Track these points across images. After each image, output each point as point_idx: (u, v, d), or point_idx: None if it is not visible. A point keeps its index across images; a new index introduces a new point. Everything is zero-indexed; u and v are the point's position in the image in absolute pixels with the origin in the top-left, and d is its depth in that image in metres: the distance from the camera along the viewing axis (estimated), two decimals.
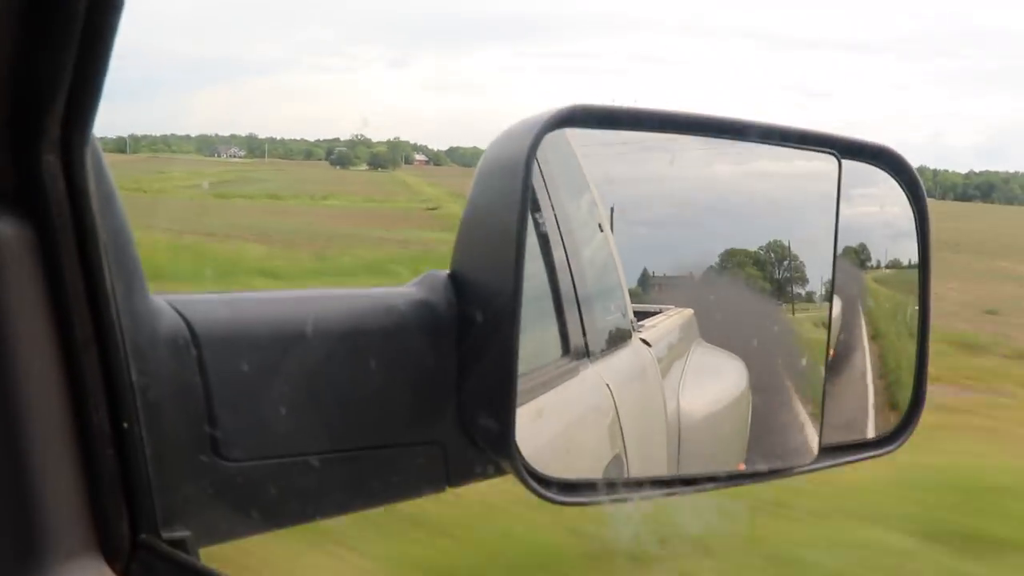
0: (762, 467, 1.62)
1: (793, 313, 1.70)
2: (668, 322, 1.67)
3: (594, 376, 1.65)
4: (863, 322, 1.78)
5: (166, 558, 1.00)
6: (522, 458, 1.24)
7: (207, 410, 1.09)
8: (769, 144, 1.52)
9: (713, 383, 1.78)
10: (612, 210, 1.56)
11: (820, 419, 1.62)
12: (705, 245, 1.62)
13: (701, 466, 1.73)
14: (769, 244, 1.66)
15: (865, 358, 1.77)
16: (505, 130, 1.33)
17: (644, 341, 1.73)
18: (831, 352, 1.69)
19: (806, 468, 1.59)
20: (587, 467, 1.49)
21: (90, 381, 0.91)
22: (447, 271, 1.34)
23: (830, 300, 1.65)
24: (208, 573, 1.00)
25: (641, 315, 1.68)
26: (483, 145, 1.36)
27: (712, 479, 1.52)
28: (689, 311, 1.65)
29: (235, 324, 1.14)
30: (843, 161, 1.58)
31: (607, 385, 1.67)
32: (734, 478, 1.55)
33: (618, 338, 1.73)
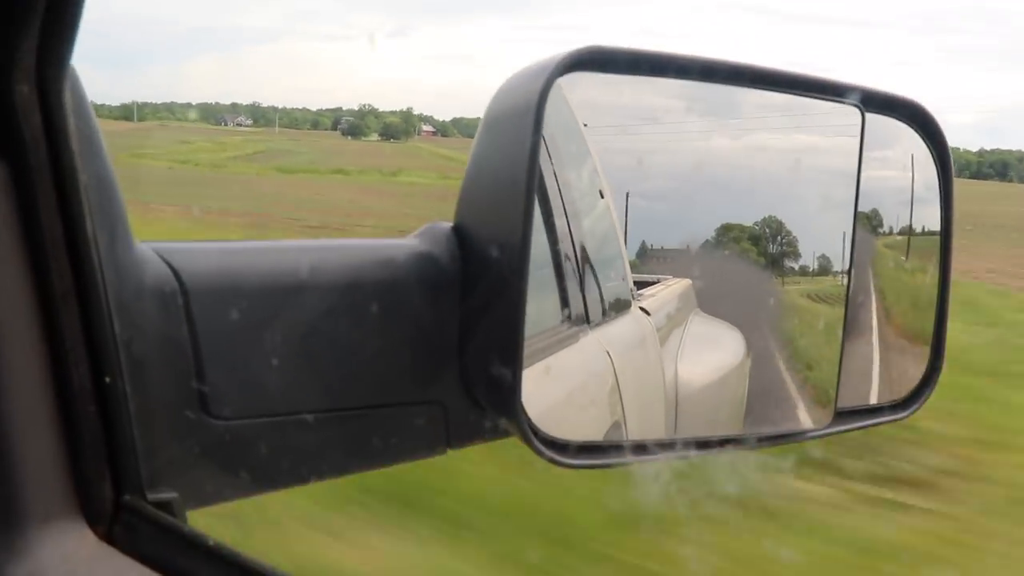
0: (773, 430, 1.59)
1: (783, 285, 1.67)
2: (667, 292, 1.64)
3: (594, 343, 1.61)
4: (872, 289, 1.74)
5: (151, 520, 0.94)
6: (528, 419, 1.18)
7: (195, 365, 1.02)
8: (792, 93, 1.47)
9: (711, 352, 1.75)
10: (627, 196, 1.53)
11: (836, 383, 1.58)
12: (702, 219, 1.59)
13: (699, 433, 1.68)
14: (764, 219, 1.63)
15: (872, 325, 1.73)
16: (514, 73, 1.26)
17: (643, 310, 1.70)
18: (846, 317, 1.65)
19: (821, 432, 1.55)
20: (588, 432, 1.44)
21: (69, 335, 0.86)
22: (450, 223, 1.27)
23: (850, 266, 1.61)
24: (195, 535, 0.94)
25: (640, 284, 1.65)
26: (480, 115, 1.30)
27: (728, 441, 1.48)
28: (687, 281, 1.61)
29: (226, 274, 1.07)
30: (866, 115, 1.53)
31: (607, 352, 1.63)
32: (744, 440, 1.51)
33: (618, 306, 1.69)
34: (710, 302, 1.64)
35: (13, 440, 0.83)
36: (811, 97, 1.50)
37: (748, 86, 1.43)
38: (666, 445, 1.49)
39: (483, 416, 1.26)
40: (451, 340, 1.22)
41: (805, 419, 1.64)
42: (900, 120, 1.58)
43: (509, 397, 1.16)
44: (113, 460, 0.92)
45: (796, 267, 1.66)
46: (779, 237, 1.63)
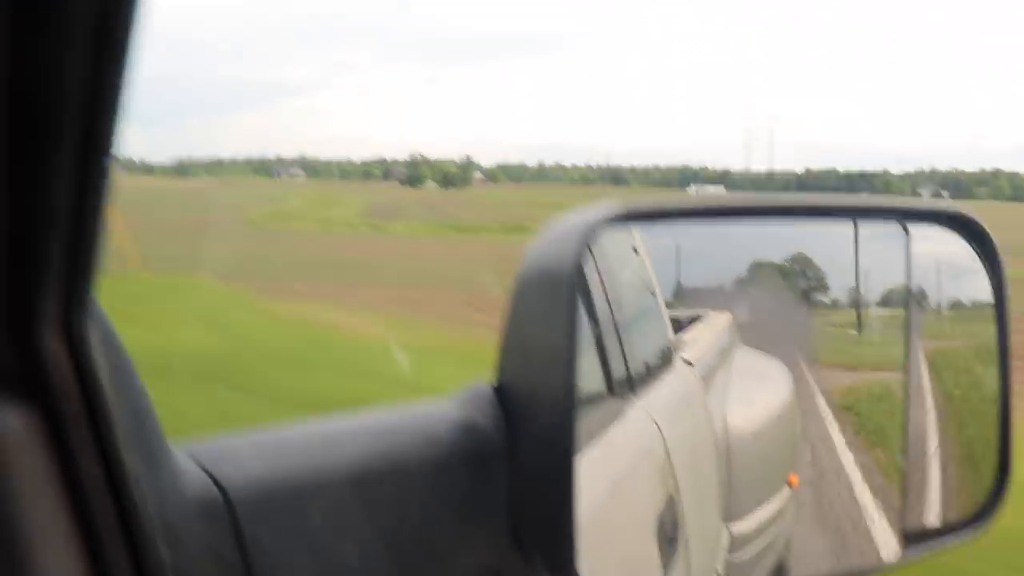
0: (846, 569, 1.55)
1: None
2: (708, 332, 1.62)
3: (640, 414, 1.58)
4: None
5: None
6: None
7: (245, 574, 1.01)
8: (833, 219, 1.46)
9: (759, 392, 1.71)
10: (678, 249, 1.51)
11: (902, 505, 1.54)
12: (733, 255, 1.58)
13: (754, 484, 1.67)
14: (793, 256, 1.61)
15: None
16: (545, 234, 1.26)
17: (686, 361, 1.68)
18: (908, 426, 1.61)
19: (895, 564, 1.51)
20: (641, 518, 1.43)
21: (118, 570, 0.85)
22: (491, 384, 1.26)
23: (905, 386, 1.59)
24: None
25: (677, 321, 1.63)
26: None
27: None
28: (727, 315, 1.60)
29: (267, 479, 1.07)
30: (911, 228, 1.51)
31: (655, 422, 1.60)
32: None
33: (661, 363, 1.67)
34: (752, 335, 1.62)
35: None
36: (853, 220, 1.48)
37: (788, 220, 1.42)
38: None
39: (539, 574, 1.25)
40: (501, 506, 1.21)
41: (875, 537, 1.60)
42: (947, 229, 1.56)
43: (565, 565, 1.14)
44: None
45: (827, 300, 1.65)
46: (807, 272, 1.63)
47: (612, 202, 1.24)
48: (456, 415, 1.23)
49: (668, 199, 1.65)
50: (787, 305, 1.58)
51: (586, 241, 1.19)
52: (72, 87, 0.66)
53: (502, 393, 1.24)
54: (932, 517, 1.62)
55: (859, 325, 1.64)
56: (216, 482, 1.02)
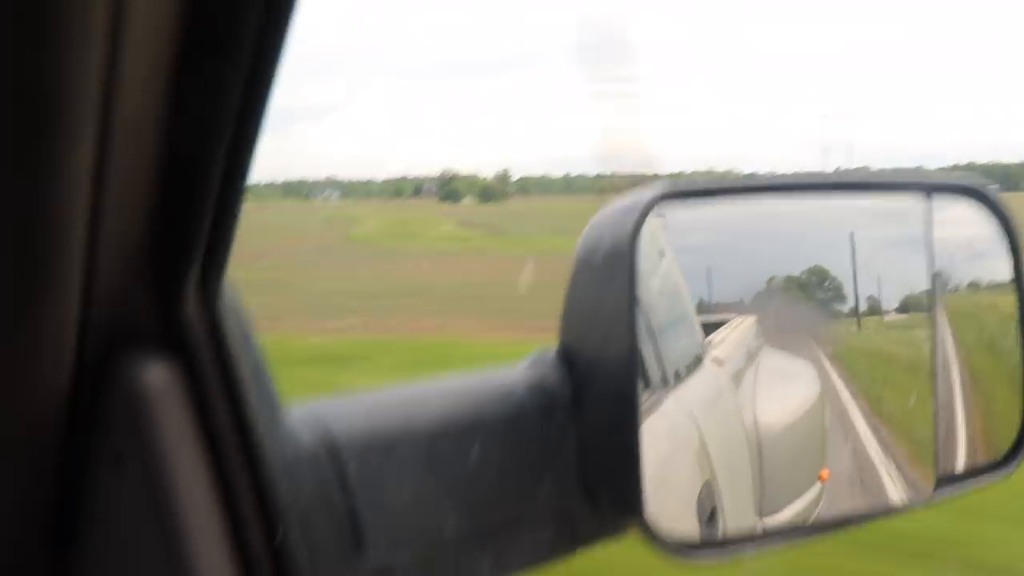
0: (885, 503, 1.66)
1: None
2: (735, 335, 1.69)
3: (675, 406, 1.64)
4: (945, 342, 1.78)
5: None
6: (652, 518, 1.30)
7: (350, 514, 1.16)
8: (858, 194, 1.58)
9: (786, 388, 1.79)
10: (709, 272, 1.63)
11: (935, 448, 1.65)
12: (753, 270, 1.66)
13: (786, 479, 1.74)
14: (810, 269, 1.70)
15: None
16: (604, 211, 1.42)
17: (716, 361, 1.73)
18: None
19: (927, 501, 1.62)
20: (684, 500, 1.52)
21: (244, 504, 0.99)
22: (554, 351, 1.42)
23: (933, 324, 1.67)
24: None
25: (705, 325, 1.68)
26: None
27: (840, 521, 1.56)
28: (752, 318, 1.68)
29: (370, 429, 1.22)
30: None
31: (688, 413, 1.69)
32: (872, 515, 1.59)
33: (692, 362, 1.73)
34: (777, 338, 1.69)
35: None
36: (875, 193, 1.60)
37: (815, 196, 1.55)
38: (788, 531, 1.58)
39: (606, 520, 1.40)
40: (569, 456, 1.37)
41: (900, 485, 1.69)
42: (962, 199, 1.67)
43: (633, 500, 1.29)
44: None
45: (845, 310, 1.70)
46: (825, 283, 1.69)
47: (665, 182, 1.40)
48: (526, 376, 1.39)
49: (716, 180, 1.74)
50: (808, 312, 1.67)
51: (644, 214, 1.34)
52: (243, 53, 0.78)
53: (566, 356, 1.40)
54: (960, 464, 1.72)
55: (880, 313, 1.70)
56: (325, 433, 1.15)
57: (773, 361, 1.69)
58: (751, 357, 1.70)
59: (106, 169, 0.78)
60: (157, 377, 0.96)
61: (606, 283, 1.35)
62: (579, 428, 1.37)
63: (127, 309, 0.94)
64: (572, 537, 1.41)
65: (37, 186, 0.74)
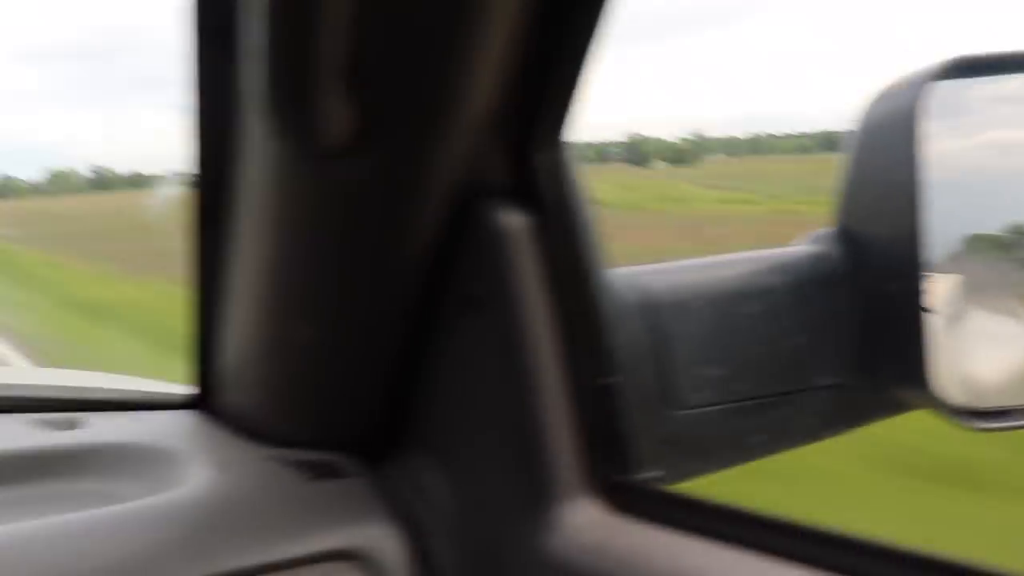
0: None
1: None
2: (940, 289, 1.61)
3: (952, 285, 1.59)
4: None
5: (649, 492, 1.14)
6: (941, 390, 1.28)
7: (663, 366, 1.26)
8: None
9: (999, 344, 1.68)
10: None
11: None
12: (945, 229, 1.52)
13: None
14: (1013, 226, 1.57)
15: None
16: (886, 87, 1.41)
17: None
18: None
19: None
20: (969, 373, 1.43)
21: (580, 347, 1.08)
22: (834, 228, 1.41)
23: None
24: (690, 498, 1.11)
25: None
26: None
27: None
28: (955, 277, 1.58)
29: (684, 290, 1.31)
30: None
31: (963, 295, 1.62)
32: None
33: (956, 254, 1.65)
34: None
35: (545, 432, 1.06)
36: None
37: None
38: None
39: (886, 393, 1.41)
40: (848, 328, 1.39)
41: None
42: None
43: (921, 372, 1.29)
44: (610, 447, 1.12)
45: None
46: None
47: (950, 56, 1.37)
48: (810, 251, 1.42)
49: (1006, 51, 1.65)
50: (1009, 273, 1.58)
51: (925, 87, 1.32)
52: None
53: (846, 232, 1.42)
54: None
55: None
56: (646, 291, 1.27)
57: (980, 321, 1.61)
58: (957, 313, 1.62)
59: (476, 29, 0.88)
60: (515, 226, 1.05)
61: (890, 153, 1.35)
62: (864, 300, 1.38)
63: (484, 163, 1.04)
64: (850, 412, 1.43)
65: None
